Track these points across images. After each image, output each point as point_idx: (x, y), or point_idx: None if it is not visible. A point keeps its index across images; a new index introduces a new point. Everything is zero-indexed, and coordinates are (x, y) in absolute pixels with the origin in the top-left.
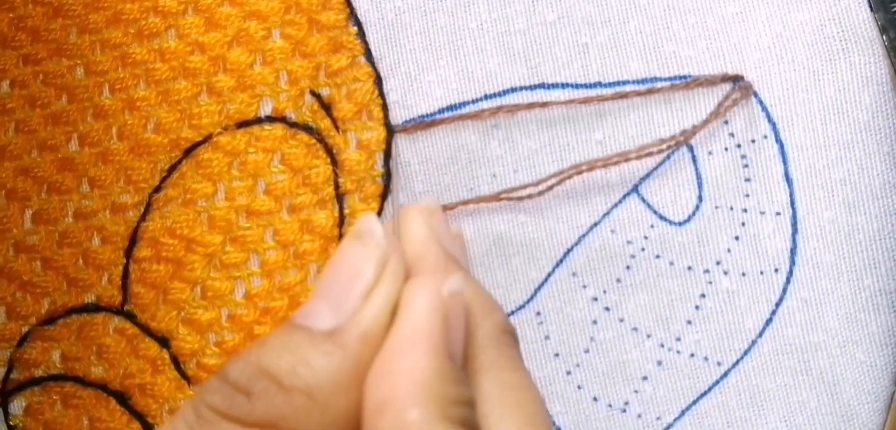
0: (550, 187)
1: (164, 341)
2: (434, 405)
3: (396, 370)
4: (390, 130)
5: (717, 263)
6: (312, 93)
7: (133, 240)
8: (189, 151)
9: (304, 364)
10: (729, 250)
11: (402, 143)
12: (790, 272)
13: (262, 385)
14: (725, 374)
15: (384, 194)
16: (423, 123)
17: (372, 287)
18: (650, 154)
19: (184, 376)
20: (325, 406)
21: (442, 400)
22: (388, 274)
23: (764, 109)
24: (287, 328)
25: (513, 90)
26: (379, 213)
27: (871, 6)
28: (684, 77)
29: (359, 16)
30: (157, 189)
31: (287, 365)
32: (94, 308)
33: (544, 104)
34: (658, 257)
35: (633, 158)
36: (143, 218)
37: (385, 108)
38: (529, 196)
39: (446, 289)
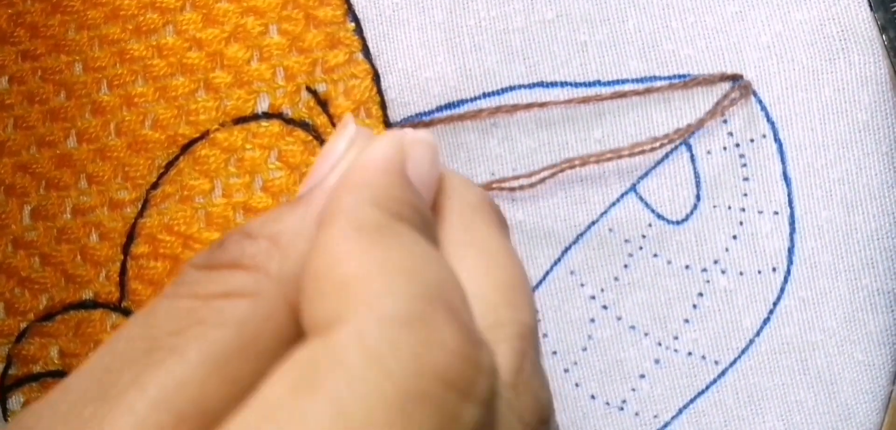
0: (543, 180)
1: None
2: (370, 192)
3: (344, 184)
4: (388, 128)
5: (715, 262)
6: (309, 89)
7: (131, 236)
8: (186, 148)
9: (274, 219)
10: (727, 249)
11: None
12: (788, 272)
13: (234, 238)
14: (723, 373)
15: None
16: (423, 123)
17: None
18: (643, 152)
19: None
20: (287, 249)
21: (383, 192)
22: (355, 148)
23: (763, 108)
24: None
25: (511, 88)
26: None
27: (870, 5)
28: (683, 76)
29: (356, 12)
30: (155, 186)
31: (259, 222)
32: (92, 305)
33: (543, 104)
34: (656, 255)
35: (626, 156)
36: (140, 214)
37: (383, 105)
38: (520, 187)
39: (412, 135)
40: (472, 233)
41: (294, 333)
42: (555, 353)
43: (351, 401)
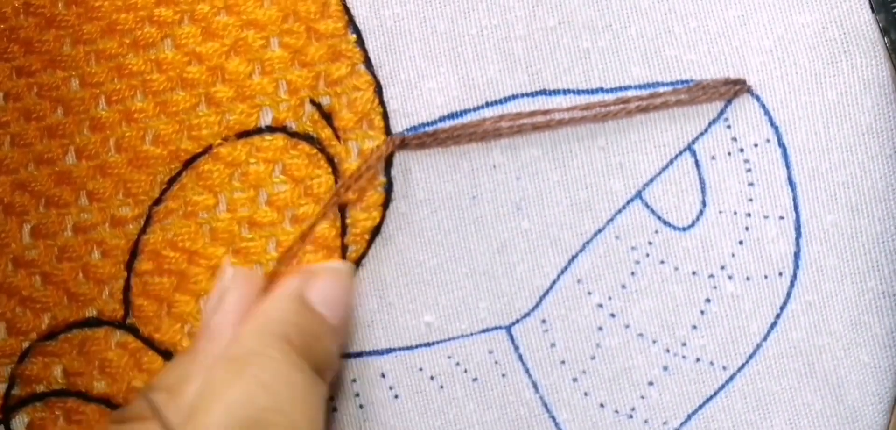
0: (520, 128)
1: (167, 355)
2: (272, 324)
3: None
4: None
5: (722, 267)
6: (313, 102)
7: (133, 253)
8: (189, 163)
9: (169, 371)
10: (733, 255)
11: (404, 152)
12: (794, 276)
13: (140, 395)
14: (731, 378)
15: (386, 203)
16: (426, 134)
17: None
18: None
19: None
20: (180, 395)
21: (283, 323)
22: (233, 291)
23: (766, 112)
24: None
25: (514, 97)
26: (380, 222)
27: (872, 8)
28: (686, 81)
29: (358, 23)
30: (158, 201)
31: (159, 377)
32: (96, 322)
33: (545, 112)
34: (663, 262)
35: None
36: (143, 231)
37: (386, 116)
38: (497, 132)
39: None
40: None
41: None
42: (563, 363)
43: None
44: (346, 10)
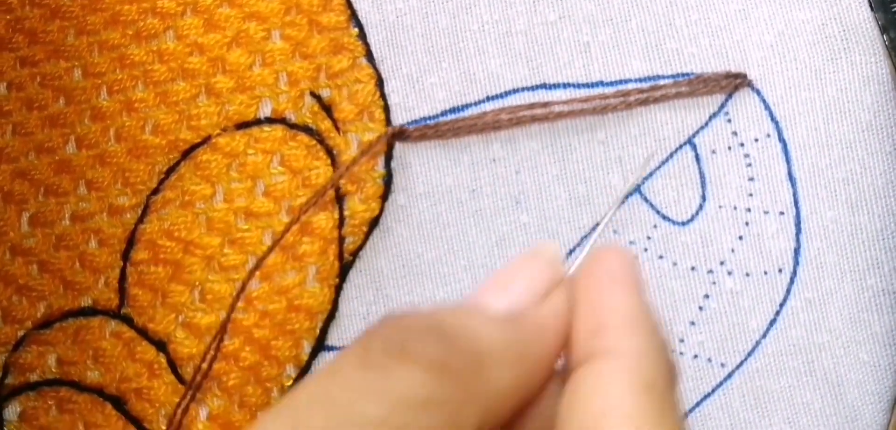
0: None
1: (161, 345)
2: (648, 334)
3: (605, 305)
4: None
5: (721, 263)
6: (313, 94)
7: (130, 242)
8: (187, 153)
9: (480, 323)
10: (733, 250)
11: (404, 145)
12: (794, 272)
13: (433, 335)
14: (729, 375)
15: (384, 196)
16: (427, 127)
17: (548, 291)
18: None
19: (180, 379)
20: (488, 374)
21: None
22: (562, 289)
23: (767, 107)
24: (459, 304)
25: (515, 91)
26: (379, 215)
27: (871, 6)
28: (687, 74)
29: (360, 17)
30: (155, 191)
31: (459, 322)
32: (91, 311)
33: (546, 106)
34: (661, 257)
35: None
36: (140, 220)
37: (386, 109)
38: (496, 124)
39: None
40: None
41: None
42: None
43: None
44: (349, 4)
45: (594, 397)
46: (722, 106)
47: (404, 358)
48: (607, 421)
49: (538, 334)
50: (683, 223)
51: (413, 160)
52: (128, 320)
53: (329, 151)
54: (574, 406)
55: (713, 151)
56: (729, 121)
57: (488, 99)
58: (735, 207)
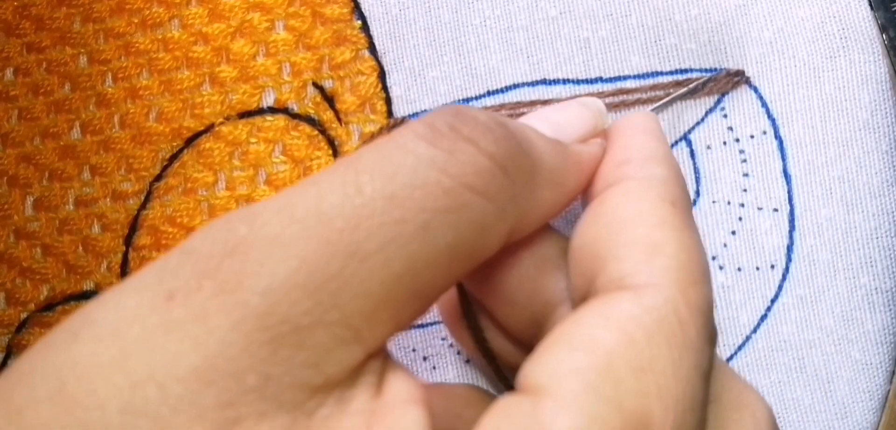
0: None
1: None
2: (670, 166)
3: (631, 144)
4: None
5: (713, 257)
6: (315, 85)
7: (133, 228)
8: (191, 141)
9: (538, 139)
10: (725, 245)
11: None
12: (786, 269)
13: (500, 131)
14: None
15: None
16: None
17: (589, 137)
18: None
19: None
20: (535, 186)
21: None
22: (600, 139)
23: (763, 104)
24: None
25: (515, 86)
26: None
27: (870, 4)
28: (685, 71)
29: (363, 10)
30: (158, 178)
31: (521, 131)
32: (94, 295)
33: (546, 102)
34: None
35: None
36: (143, 206)
37: (388, 102)
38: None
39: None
40: None
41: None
42: None
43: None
44: None
45: (624, 206)
46: (718, 101)
47: (470, 143)
48: (636, 224)
49: (576, 168)
50: None
51: None
52: None
53: (331, 142)
54: (601, 215)
55: (708, 147)
56: (725, 116)
57: (489, 93)
58: (729, 203)
